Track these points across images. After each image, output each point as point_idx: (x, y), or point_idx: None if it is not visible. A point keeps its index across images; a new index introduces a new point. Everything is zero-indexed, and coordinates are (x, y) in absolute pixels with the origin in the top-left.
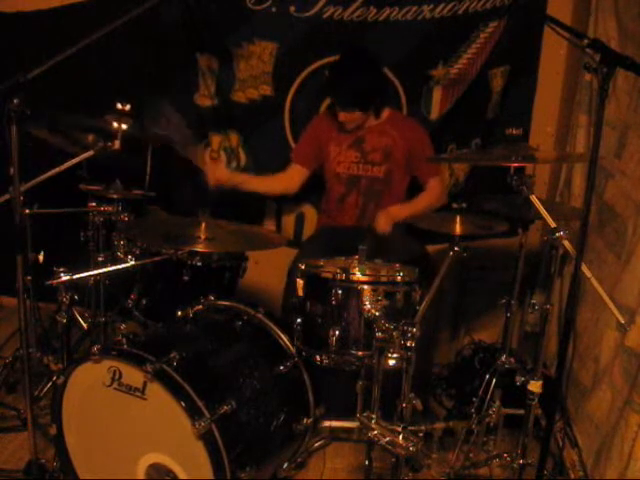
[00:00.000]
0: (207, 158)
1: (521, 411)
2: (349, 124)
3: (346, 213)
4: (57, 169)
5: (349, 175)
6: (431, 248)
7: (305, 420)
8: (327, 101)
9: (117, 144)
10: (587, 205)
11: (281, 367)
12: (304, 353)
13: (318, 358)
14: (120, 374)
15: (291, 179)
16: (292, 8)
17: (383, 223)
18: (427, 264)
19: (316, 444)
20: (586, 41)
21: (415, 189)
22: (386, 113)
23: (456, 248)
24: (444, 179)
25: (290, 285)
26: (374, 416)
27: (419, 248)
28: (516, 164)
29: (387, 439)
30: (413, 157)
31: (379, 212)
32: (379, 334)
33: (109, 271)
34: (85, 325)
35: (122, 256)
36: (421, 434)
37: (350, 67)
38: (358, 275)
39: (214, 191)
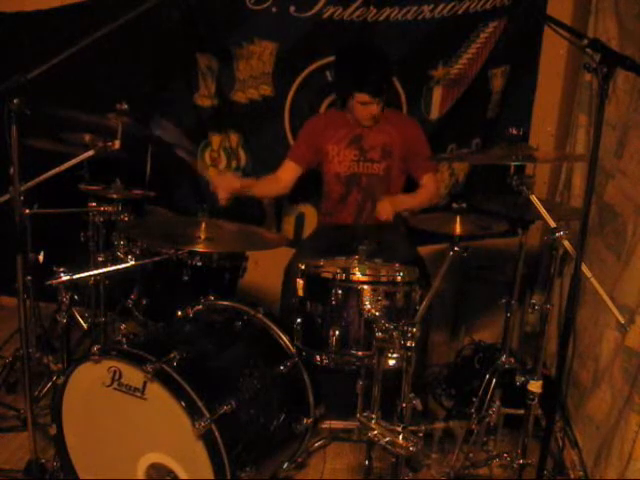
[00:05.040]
0: (213, 173)
1: (521, 411)
2: (368, 118)
3: (346, 211)
4: (57, 169)
5: (349, 174)
6: (431, 248)
7: (305, 420)
8: (327, 101)
9: (117, 144)
10: (587, 205)
11: (281, 367)
12: (304, 353)
13: (318, 358)
14: (120, 374)
15: (285, 177)
16: (292, 8)
17: (386, 210)
18: (420, 268)
19: (316, 444)
20: (586, 41)
21: (410, 188)
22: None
23: (456, 248)
24: (438, 176)
25: (287, 284)
26: (374, 416)
27: (412, 252)
28: (516, 162)
29: (387, 439)
30: (409, 153)
31: (381, 200)
32: (379, 334)
33: (109, 271)
34: (85, 325)
35: (122, 256)
36: (421, 434)
37: (370, 54)
38: (358, 275)
39: (223, 204)
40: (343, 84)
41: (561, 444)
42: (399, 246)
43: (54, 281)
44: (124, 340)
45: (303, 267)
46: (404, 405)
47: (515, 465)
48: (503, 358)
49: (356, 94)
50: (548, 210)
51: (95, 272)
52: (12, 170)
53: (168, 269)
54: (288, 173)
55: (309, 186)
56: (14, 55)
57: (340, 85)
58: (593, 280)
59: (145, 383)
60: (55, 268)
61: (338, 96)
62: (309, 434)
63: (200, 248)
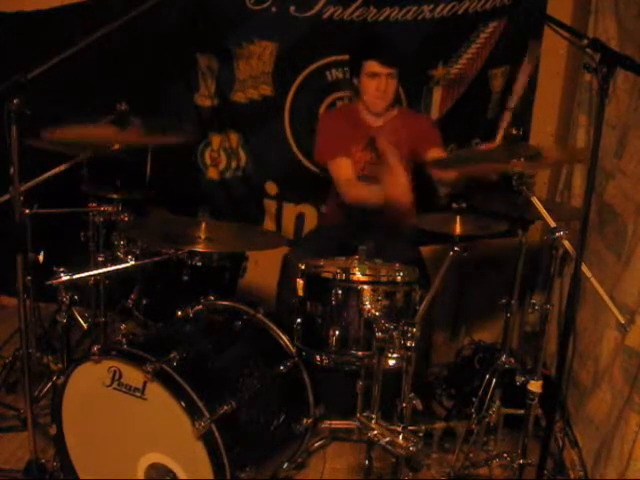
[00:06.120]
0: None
1: (521, 411)
2: (378, 96)
3: (352, 209)
4: (57, 169)
5: (362, 175)
6: (431, 248)
7: (305, 420)
8: (328, 101)
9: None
10: (587, 205)
11: (281, 367)
12: (304, 353)
13: (318, 358)
14: (120, 374)
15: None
16: (292, 8)
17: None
18: (421, 269)
19: (316, 444)
20: (586, 41)
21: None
22: (396, 110)
23: (456, 248)
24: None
25: (284, 278)
26: (374, 416)
27: (413, 254)
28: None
29: (387, 439)
30: (418, 148)
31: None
32: (379, 334)
33: (109, 271)
34: (85, 325)
35: (122, 256)
36: (421, 434)
37: (382, 31)
38: (358, 275)
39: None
40: (354, 54)
41: (561, 444)
42: (396, 250)
43: (54, 281)
44: (124, 340)
45: (303, 267)
46: (404, 405)
47: (515, 465)
48: (503, 358)
49: (365, 63)
50: (548, 210)
51: (95, 272)
52: (12, 170)
53: (168, 269)
54: (347, 169)
55: (309, 186)
56: (14, 55)
57: (352, 57)
58: (593, 280)
59: (145, 383)
60: (55, 268)
61: (351, 73)
62: (309, 434)
63: (200, 248)
